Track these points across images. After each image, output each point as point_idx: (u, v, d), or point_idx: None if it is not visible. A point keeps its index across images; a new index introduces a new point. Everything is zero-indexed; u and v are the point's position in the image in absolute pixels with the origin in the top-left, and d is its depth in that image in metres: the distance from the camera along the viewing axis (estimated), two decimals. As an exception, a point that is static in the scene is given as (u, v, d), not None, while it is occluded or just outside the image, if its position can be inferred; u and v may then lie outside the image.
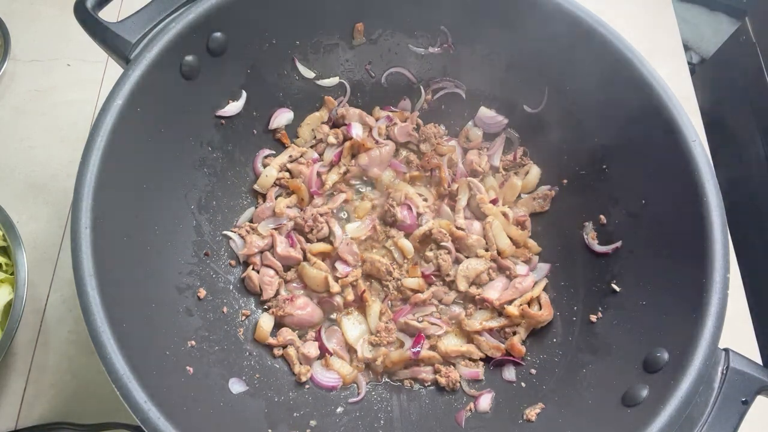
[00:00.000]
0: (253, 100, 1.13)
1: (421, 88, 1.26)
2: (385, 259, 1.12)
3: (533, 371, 1.05)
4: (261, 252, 1.12)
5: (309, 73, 1.20)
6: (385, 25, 1.18)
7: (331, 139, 1.21)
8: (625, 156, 1.04)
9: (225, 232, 1.12)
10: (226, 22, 0.99)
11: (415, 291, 1.10)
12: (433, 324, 1.08)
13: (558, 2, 1.02)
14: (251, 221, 1.16)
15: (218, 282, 1.08)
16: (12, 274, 1.08)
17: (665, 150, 0.94)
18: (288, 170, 1.20)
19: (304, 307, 1.08)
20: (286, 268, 1.13)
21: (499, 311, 1.09)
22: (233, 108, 1.11)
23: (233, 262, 1.12)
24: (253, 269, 1.11)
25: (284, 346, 1.06)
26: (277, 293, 1.11)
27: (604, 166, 1.08)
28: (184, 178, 1.05)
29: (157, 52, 0.90)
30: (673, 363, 0.81)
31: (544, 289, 1.11)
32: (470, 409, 1.02)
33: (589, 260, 1.09)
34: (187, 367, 0.89)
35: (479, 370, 1.06)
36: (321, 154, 1.22)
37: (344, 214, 1.20)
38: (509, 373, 1.06)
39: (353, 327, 1.10)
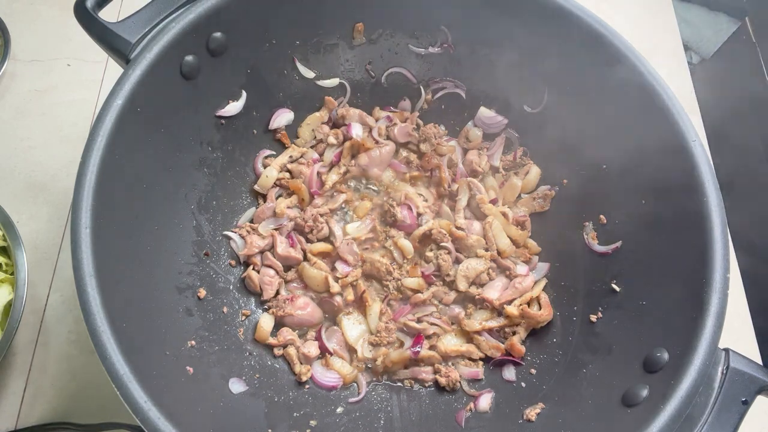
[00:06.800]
0: (253, 100, 1.13)
1: (421, 88, 1.26)
2: (385, 259, 1.12)
3: (533, 371, 1.05)
4: (261, 252, 1.12)
5: (309, 73, 1.20)
6: (385, 25, 1.18)
7: (331, 140, 1.21)
8: (625, 156, 1.04)
9: (225, 233, 1.12)
10: (226, 22, 0.99)
11: (415, 291, 1.11)
12: (432, 324, 1.09)
13: (558, 2, 1.02)
14: (252, 221, 1.16)
15: (218, 282, 1.08)
16: (12, 274, 1.08)
17: (665, 150, 0.94)
18: (288, 170, 1.20)
19: (305, 307, 1.08)
20: (287, 268, 1.13)
21: (498, 311, 1.09)
22: (233, 108, 1.11)
23: (233, 262, 1.12)
24: (253, 269, 1.11)
25: (284, 346, 1.06)
26: (278, 293, 1.11)
27: (604, 166, 1.08)
28: (184, 178, 1.05)
29: (157, 52, 0.90)
30: (673, 363, 0.81)
31: (544, 289, 1.11)
32: (470, 409, 1.02)
33: (589, 260, 1.09)
34: (187, 367, 0.89)
35: (479, 370, 1.06)
36: (321, 155, 1.22)
37: (345, 212, 1.20)
38: (509, 373, 1.06)
39: (353, 327, 1.10)
